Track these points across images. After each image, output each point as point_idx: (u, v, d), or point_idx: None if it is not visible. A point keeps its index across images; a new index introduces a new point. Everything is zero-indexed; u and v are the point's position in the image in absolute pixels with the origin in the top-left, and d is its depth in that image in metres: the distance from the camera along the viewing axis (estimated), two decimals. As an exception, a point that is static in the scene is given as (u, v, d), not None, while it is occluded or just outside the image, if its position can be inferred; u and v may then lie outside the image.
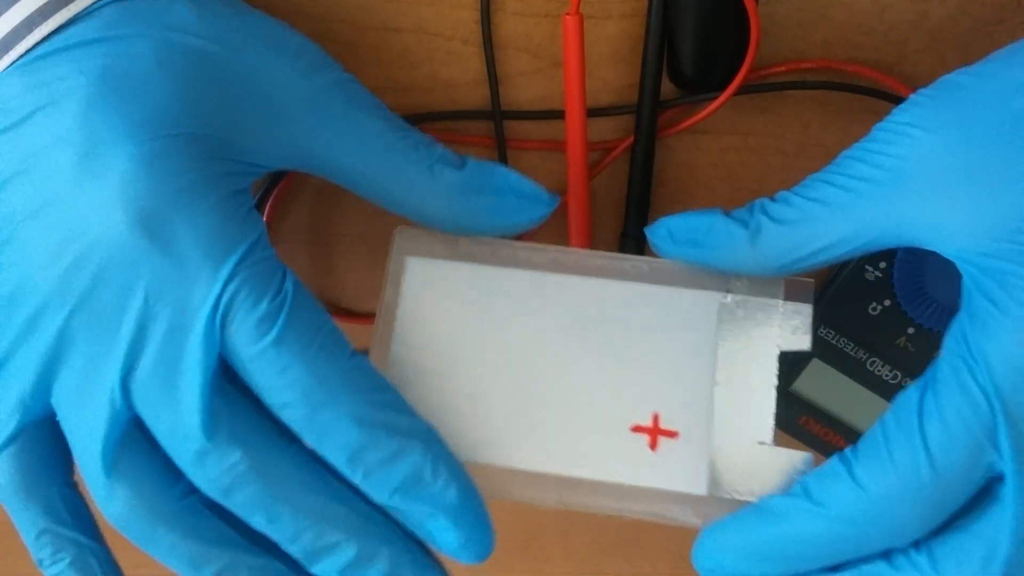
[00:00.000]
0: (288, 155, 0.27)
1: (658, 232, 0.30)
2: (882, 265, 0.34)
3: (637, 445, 0.29)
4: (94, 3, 0.25)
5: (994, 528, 0.24)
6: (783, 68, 0.33)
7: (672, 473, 0.29)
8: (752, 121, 0.34)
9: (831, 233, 0.27)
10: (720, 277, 0.30)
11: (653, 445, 0.29)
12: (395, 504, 0.26)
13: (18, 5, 0.25)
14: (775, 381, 0.29)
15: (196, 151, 0.25)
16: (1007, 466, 0.24)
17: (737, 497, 0.28)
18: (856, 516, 0.25)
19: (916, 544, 0.25)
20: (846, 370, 0.35)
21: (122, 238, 0.24)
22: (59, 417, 0.26)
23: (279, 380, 0.25)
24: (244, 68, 0.26)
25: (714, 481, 0.29)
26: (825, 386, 0.36)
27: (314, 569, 0.26)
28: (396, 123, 0.29)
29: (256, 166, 0.27)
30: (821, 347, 0.35)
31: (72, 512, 0.27)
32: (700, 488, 0.29)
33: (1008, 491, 0.24)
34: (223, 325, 0.25)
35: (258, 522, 0.26)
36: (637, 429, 0.29)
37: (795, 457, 0.29)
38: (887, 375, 0.35)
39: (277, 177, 0.34)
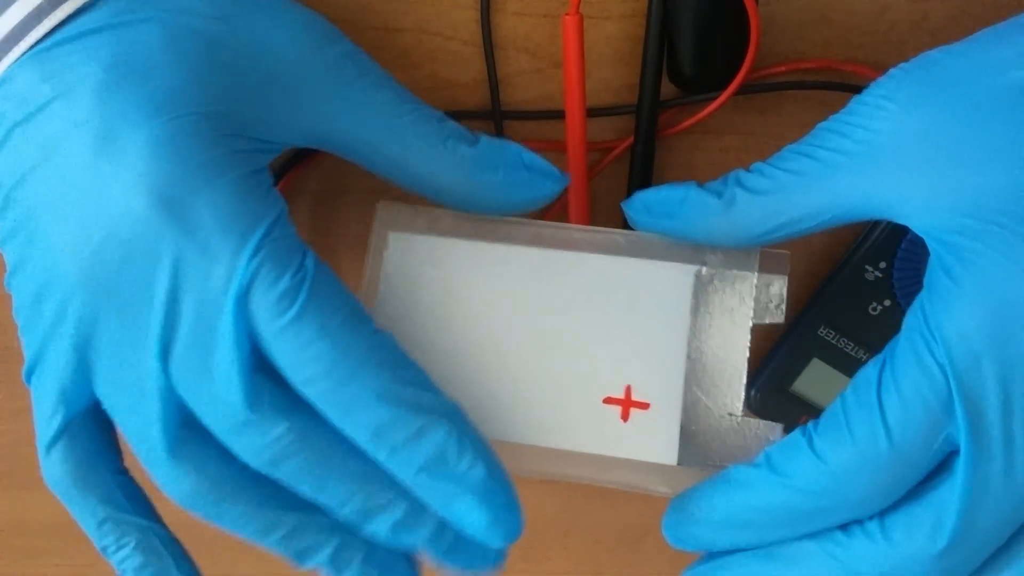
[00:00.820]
0: (302, 130, 0.27)
1: (634, 205, 0.30)
2: (882, 265, 0.34)
3: (609, 416, 0.29)
4: None
5: (945, 498, 0.24)
6: (783, 68, 0.33)
7: (643, 444, 0.29)
8: (752, 121, 0.34)
9: (804, 204, 0.27)
10: (695, 250, 0.30)
11: (625, 416, 0.29)
12: (421, 483, 0.26)
13: None
14: (747, 353, 0.29)
15: (211, 130, 0.25)
16: (961, 439, 0.24)
17: (707, 467, 0.29)
18: (816, 487, 0.25)
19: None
20: (846, 370, 0.35)
21: (144, 219, 0.24)
22: (106, 406, 0.26)
23: (302, 355, 0.25)
24: (253, 45, 0.26)
25: (684, 451, 0.29)
26: (825, 386, 0.36)
27: (367, 529, 0.27)
28: (407, 95, 0.29)
29: (271, 143, 0.27)
30: (821, 347, 0.35)
31: (129, 497, 0.28)
32: (670, 458, 0.29)
33: (961, 463, 0.24)
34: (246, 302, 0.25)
35: (306, 490, 0.26)
36: (609, 400, 0.29)
37: (764, 428, 0.29)
38: (887, 375, 0.35)
39: (276, 177, 0.34)
